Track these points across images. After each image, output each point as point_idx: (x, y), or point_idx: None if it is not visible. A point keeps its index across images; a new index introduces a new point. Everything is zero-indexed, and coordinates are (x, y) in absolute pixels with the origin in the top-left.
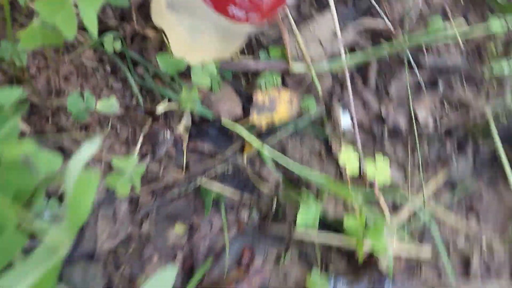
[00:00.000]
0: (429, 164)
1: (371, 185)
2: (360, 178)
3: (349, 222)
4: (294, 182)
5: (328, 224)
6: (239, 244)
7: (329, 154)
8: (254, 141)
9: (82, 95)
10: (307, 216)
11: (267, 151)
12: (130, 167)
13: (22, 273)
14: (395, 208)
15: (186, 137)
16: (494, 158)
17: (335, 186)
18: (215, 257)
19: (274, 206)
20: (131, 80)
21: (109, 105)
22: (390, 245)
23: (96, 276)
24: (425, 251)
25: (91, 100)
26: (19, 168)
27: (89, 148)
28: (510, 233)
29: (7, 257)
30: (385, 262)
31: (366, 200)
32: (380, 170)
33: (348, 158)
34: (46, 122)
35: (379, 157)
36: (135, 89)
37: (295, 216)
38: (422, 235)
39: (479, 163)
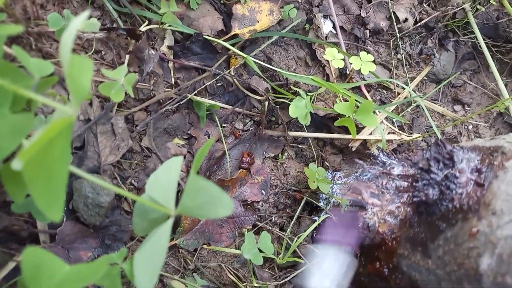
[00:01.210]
0: (413, 60)
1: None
2: (346, 77)
3: (339, 106)
4: (283, 88)
5: (320, 124)
6: (238, 151)
7: (314, 60)
8: (239, 53)
9: (61, 15)
10: (298, 106)
11: (254, 61)
12: (121, 75)
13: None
14: (383, 103)
15: (171, 56)
16: (475, 51)
17: (323, 82)
18: (216, 161)
19: (266, 111)
20: (109, 5)
21: (91, 24)
22: (380, 126)
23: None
24: (414, 136)
25: (71, 17)
26: (13, 71)
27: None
28: (494, 117)
29: (19, 136)
30: (375, 148)
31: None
32: (365, 61)
33: (333, 54)
34: (30, 49)
35: (363, 52)
36: (114, 14)
37: (288, 118)
38: (411, 127)
39: (461, 57)
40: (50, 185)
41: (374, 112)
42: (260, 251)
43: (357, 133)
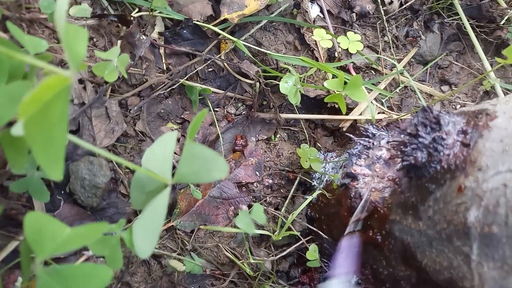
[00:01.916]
0: (399, 43)
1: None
2: (334, 60)
3: (329, 82)
4: (274, 70)
5: (311, 106)
6: (231, 134)
7: (303, 44)
8: (229, 37)
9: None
10: (288, 83)
11: (244, 44)
12: (114, 56)
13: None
14: (372, 84)
15: (161, 42)
16: (460, 32)
17: (312, 62)
18: (210, 144)
19: (258, 94)
20: None
21: (82, 9)
22: (370, 99)
23: (102, 166)
24: (403, 114)
25: None
26: (9, 46)
27: None
28: (480, 96)
29: (18, 104)
30: (365, 121)
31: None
32: (352, 41)
33: (321, 35)
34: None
35: (350, 32)
36: (105, 2)
37: (280, 101)
38: (400, 107)
39: (446, 38)
40: (51, 145)
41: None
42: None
43: (347, 115)
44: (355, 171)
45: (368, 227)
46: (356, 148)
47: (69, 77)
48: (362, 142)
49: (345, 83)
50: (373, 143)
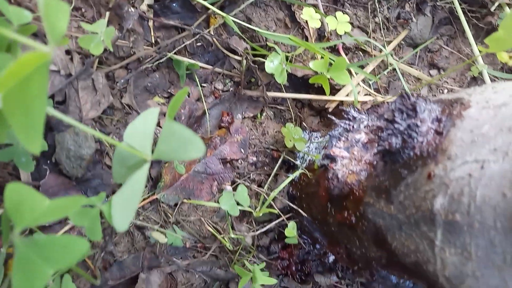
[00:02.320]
0: (390, 24)
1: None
2: (324, 37)
3: (315, 63)
4: (262, 48)
5: (299, 86)
6: (217, 110)
7: (294, 22)
8: (218, 12)
9: None
10: (274, 62)
11: (233, 21)
12: (101, 29)
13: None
14: (361, 67)
15: (150, 15)
16: (452, 16)
17: (300, 42)
18: (196, 119)
19: (245, 71)
20: None
21: None
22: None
23: (87, 138)
24: (388, 97)
25: None
26: None
27: None
28: (468, 82)
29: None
30: (347, 104)
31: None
32: (340, 21)
33: (310, 14)
34: (9, 2)
35: (338, 12)
36: None
37: (267, 80)
38: (387, 90)
39: (438, 21)
40: (29, 119)
41: (350, 73)
42: (238, 204)
43: (334, 95)
44: (334, 153)
45: (344, 208)
46: (337, 130)
47: (47, 53)
48: (342, 124)
49: (331, 64)
50: (353, 126)
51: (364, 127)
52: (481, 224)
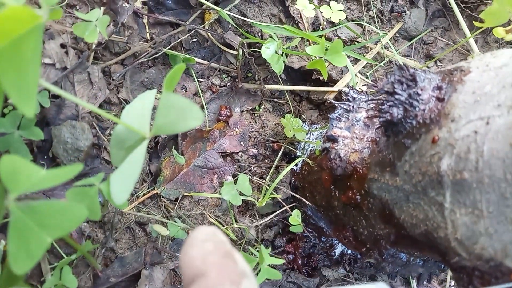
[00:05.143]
0: (384, 17)
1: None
2: (318, 29)
3: (311, 48)
4: (258, 43)
5: (296, 79)
6: (215, 105)
7: (288, 17)
8: (213, 7)
9: None
10: (270, 48)
11: (228, 14)
12: (95, 17)
13: None
14: (356, 60)
15: (145, 11)
16: (445, 8)
17: (296, 31)
18: None
19: (242, 65)
20: None
21: None
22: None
23: (84, 130)
24: None
25: None
26: None
27: None
28: None
29: None
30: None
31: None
32: (335, 10)
33: (304, 4)
34: None
35: (332, 2)
36: None
37: (265, 74)
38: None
39: (431, 14)
40: (23, 80)
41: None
42: (240, 194)
43: (332, 87)
44: (335, 133)
45: (348, 188)
46: (337, 112)
47: (41, 17)
48: (342, 106)
49: (327, 50)
50: (353, 106)
51: (364, 102)
52: (491, 179)
